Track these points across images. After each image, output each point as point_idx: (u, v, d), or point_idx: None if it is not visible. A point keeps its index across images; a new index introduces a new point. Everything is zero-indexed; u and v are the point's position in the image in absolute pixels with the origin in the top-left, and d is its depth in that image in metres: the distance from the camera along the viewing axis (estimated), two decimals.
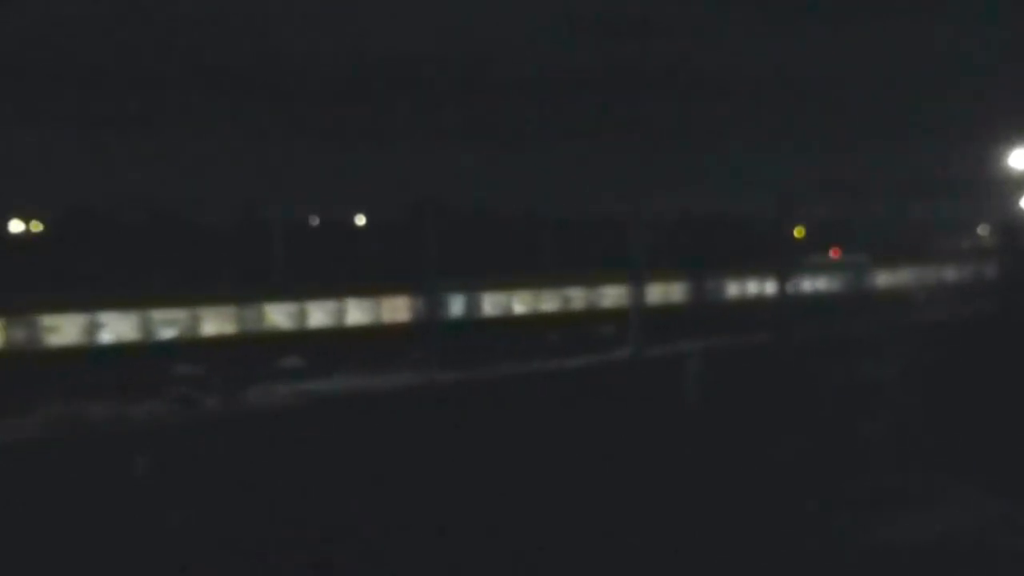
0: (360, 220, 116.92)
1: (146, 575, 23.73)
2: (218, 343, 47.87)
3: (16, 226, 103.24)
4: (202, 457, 33.31)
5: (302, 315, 50.56)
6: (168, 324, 47.12)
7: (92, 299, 46.38)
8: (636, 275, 59.31)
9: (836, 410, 40.90)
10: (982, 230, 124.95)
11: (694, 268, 65.22)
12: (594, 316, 60.22)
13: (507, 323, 56.78)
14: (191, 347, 47.09)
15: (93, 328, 45.34)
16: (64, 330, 44.74)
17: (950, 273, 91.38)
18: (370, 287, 53.24)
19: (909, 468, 31.65)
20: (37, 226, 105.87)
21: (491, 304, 56.85)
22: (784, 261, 69.49)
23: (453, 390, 46.64)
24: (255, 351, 48.28)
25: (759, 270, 70.24)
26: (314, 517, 26.97)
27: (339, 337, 51.07)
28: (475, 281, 56.56)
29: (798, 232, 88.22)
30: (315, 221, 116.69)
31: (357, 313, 52.16)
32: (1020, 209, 69.04)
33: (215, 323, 48.20)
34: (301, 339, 50.14)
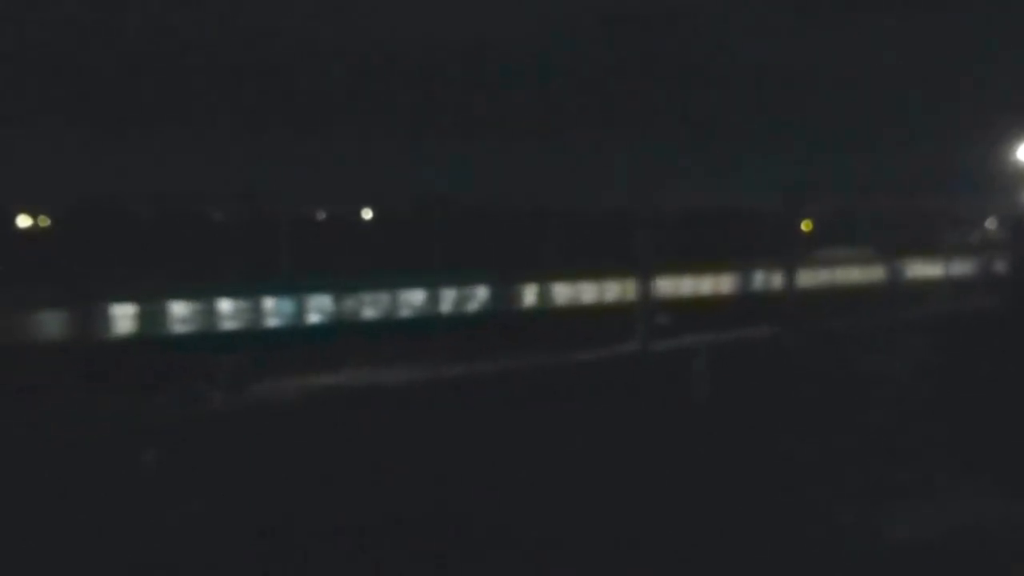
0: (367, 214, 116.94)
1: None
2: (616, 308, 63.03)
3: (24, 221, 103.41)
4: (209, 452, 33.44)
5: (674, 286, 66.47)
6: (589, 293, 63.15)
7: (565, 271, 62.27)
8: (642, 269, 59.55)
9: (841, 404, 40.91)
10: (990, 224, 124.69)
11: None
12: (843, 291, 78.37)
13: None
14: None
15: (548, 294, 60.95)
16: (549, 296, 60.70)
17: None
18: (711, 265, 69.55)
19: (916, 464, 31.63)
20: (45, 221, 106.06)
21: (776, 280, 72.15)
22: (791, 255, 69.54)
23: (461, 383, 46.87)
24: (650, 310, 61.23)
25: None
26: (318, 513, 27.04)
27: (695, 304, 67.30)
28: (770, 262, 72.58)
29: (806, 226, 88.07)
30: (321, 215, 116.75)
31: (705, 285, 68.80)
32: None
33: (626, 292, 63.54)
34: (671, 305, 64.96)
